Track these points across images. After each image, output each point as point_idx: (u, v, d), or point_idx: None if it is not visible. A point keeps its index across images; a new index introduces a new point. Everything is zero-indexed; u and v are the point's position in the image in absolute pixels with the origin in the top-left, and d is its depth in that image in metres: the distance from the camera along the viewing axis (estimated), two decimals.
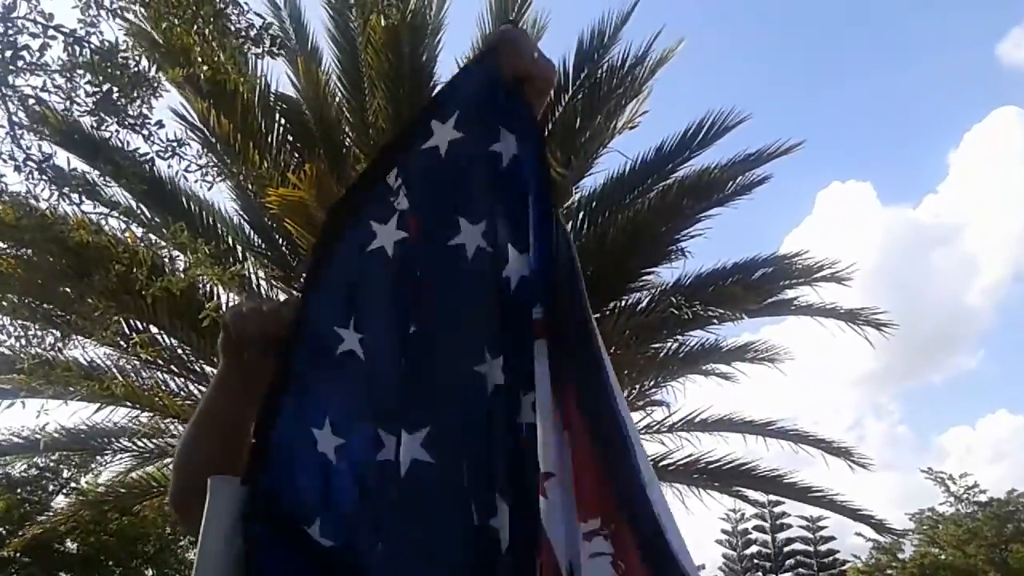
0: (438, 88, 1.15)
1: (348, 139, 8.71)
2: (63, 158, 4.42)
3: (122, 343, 8.00)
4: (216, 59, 4.65)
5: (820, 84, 79.80)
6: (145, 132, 4.24)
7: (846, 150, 74.80)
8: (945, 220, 73.89)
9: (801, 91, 79.59)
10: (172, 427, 10.04)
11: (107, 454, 10.77)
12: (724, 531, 32.84)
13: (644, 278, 9.09)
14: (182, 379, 9.45)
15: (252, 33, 4.34)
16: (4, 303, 4.53)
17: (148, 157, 4.40)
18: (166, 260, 6.27)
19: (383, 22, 6.76)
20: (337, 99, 8.67)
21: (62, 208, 4.67)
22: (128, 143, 4.43)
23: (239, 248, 9.10)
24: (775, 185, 9.15)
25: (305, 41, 9.13)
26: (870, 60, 77.72)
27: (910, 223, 77.60)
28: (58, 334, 5.15)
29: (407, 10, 7.67)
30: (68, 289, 5.27)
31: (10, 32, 3.94)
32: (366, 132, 8.70)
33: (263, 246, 9.07)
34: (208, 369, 9.33)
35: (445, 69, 8.67)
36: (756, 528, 32.39)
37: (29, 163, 4.18)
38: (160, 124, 4.31)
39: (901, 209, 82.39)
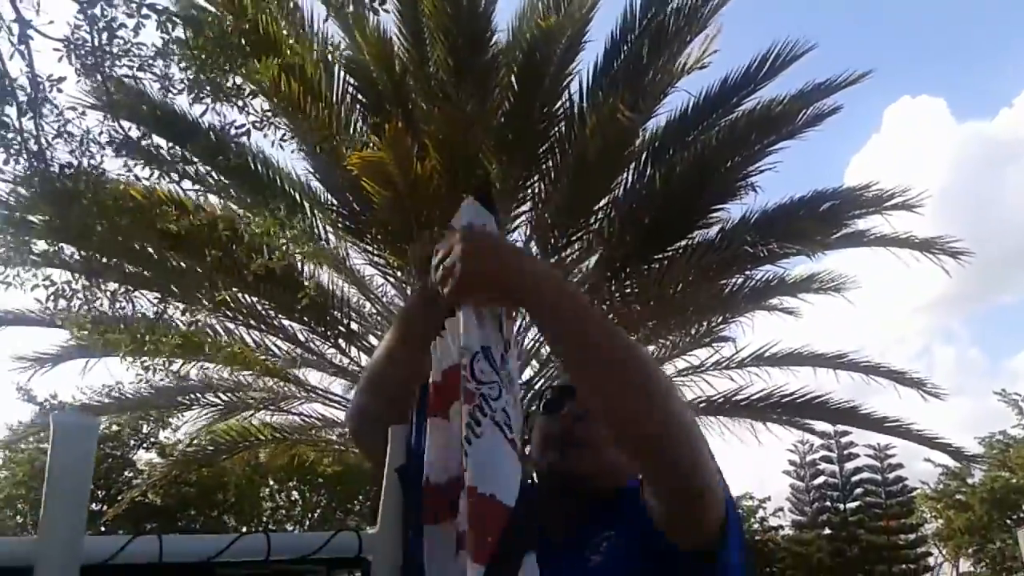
0: None
1: (412, 93, 8.71)
2: (159, 140, 4.53)
3: (204, 301, 8.32)
4: (291, 25, 4.69)
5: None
6: (240, 103, 4.35)
7: (917, 65, 72.00)
8: (1020, 134, 70.84)
9: (871, 8, 76.14)
10: (253, 381, 10.46)
11: (193, 408, 11.24)
12: (791, 462, 32.82)
13: (713, 215, 9.02)
14: (259, 333, 9.79)
15: None
16: (113, 277, 4.74)
17: (244, 128, 4.50)
18: (241, 226, 6.46)
19: None
20: (400, 54, 8.66)
21: (162, 186, 4.82)
22: (224, 116, 4.53)
23: (307, 205, 9.29)
24: (841, 103, 8.90)
25: None
26: None
27: (983, 138, 74.99)
28: (157, 306, 5.38)
29: None
30: (164, 261, 5.49)
31: (106, 13, 4.04)
32: (428, 84, 8.70)
33: (334, 203, 9.23)
34: (286, 322, 9.65)
35: (503, 17, 8.59)
36: (824, 459, 32.26)
37: (128, 143, 4.33)
38: (254, 94, 4.42)
39: (974, 124, 79.26)
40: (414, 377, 1.29)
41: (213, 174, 7.58)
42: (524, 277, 1.09)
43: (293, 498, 22.32)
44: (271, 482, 21.46)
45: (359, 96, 8.68)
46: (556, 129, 8.90)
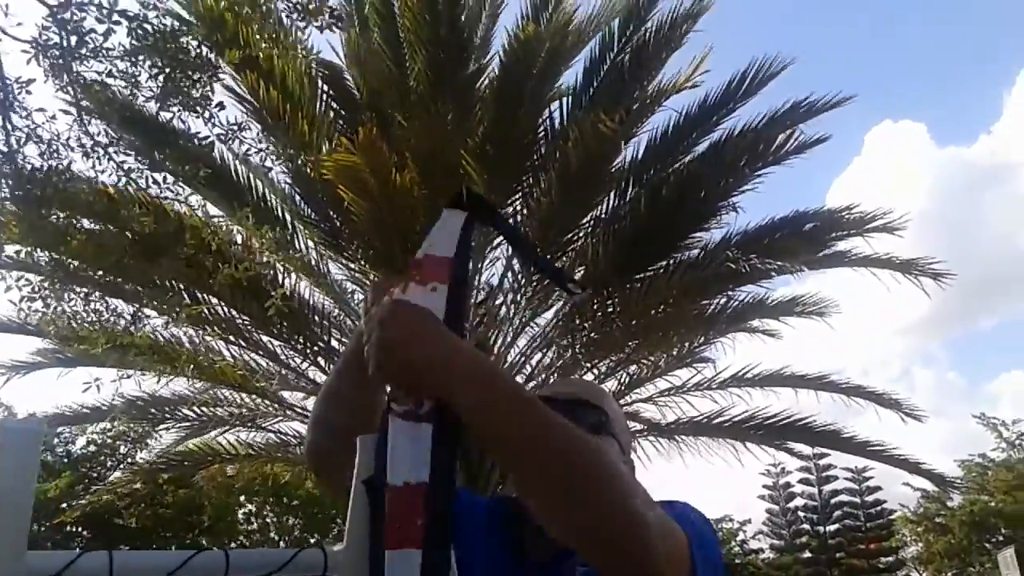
0: None
1: (391, 106, 8.68)
2: (129, 142, 4.45)
3: (177, 311, 8.18)
4: (271, 36, 4.64)
5: (872, 24, 77.61)
6: (206, 114, 4.28)
7: (899, 89, 73.23)
8: (999, 160, 71.98)
9: (853, 33, 77.67)
10: (229, 396, 10.28)
11: (168, 423, 11.05)
12: (766, 486, 32.75)
13: (695, 235, 9.02)
14: (238, 348, 9.64)
15: (311, 7, 4.34)
16: (86, 283, 4.64)
17: (209, 140, 4.44)
18: (222, 234, 6.36)
19: None
20: (381, 66, 8.63)
21: (130, 191, 4.74)
22: (189, 127, 4.48)
23: (288, 217, 9.21)
24: (823, 127, 8.99)
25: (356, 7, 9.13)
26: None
27: (963, 163, 76.17)
28: (131, 309, 5.28)
29: None
30: (137, 266, 5.39)
31: (76, 17, 3.97)
32: (408, 98, 8.67)
33: (314, 216, 9.15)
34: (265, 338, 9.51)
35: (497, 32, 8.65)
36: (801, 481, 32.17)
37: (97, 148, 4.25)
38: (221, 106, 4.36)
39: (954, 149, 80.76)
40: (362, 415, 1.20)
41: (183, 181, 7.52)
42: (451, 374, 0.98)
43: (269, 521, 22.02)
44: (248, 505, 21.14)
45: (339, 109, 8.63)
46: (539, 146, 8.90)
